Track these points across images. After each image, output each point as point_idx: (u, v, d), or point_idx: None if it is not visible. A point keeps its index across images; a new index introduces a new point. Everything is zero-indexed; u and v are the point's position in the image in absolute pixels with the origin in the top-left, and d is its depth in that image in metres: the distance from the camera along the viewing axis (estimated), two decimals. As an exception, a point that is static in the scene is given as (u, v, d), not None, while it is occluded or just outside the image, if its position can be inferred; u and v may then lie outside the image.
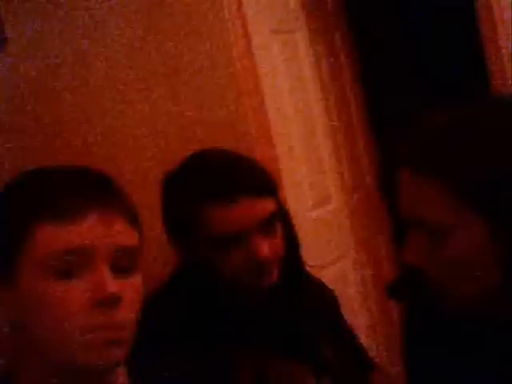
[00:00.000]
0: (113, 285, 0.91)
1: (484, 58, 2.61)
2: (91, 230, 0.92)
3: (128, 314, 0.94)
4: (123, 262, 0.94)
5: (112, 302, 0.91)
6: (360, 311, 2.73)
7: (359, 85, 3.14)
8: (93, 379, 0.96)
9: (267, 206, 1.36)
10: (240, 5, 2.19)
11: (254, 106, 2.18)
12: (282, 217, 1.43)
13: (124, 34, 1.93)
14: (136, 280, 0.96)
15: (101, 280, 0.91)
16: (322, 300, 1.59)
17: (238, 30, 2.17)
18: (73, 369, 0.93)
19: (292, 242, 1.47)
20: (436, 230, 0.96)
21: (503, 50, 2.51)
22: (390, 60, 3.72)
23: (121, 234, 0.94)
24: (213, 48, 2.13)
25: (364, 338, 2.01)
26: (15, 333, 0.96)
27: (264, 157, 2.01)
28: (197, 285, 1.41)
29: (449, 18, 3.48)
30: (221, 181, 1.34)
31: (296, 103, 2.52)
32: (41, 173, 0.99)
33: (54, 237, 0.91)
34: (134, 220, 0.98)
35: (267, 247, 1.35)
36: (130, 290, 0.94)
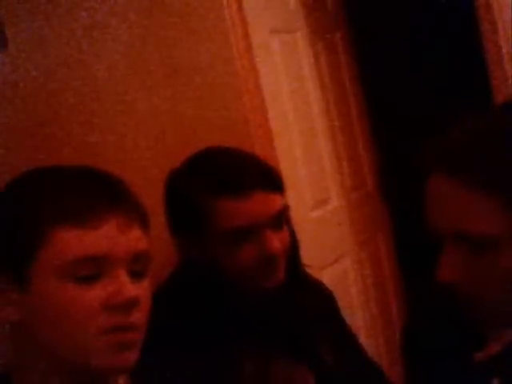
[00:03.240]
0: (131, 289, 0.93)
1: (484, 58, 2.61)
2: (110, 236, 0.92)
3: (142, 316, 0.95)
4: (138, 267, 0.95)
5: (130, 305, 0.92)
6: (360, 311, 2.73)
7: (359, 85, 3.14)
8: (96, 381, 0.96)
9: (278, 201, 1.38)
10: (240, 5, 2.18)
11: (254, 105, 2.18)
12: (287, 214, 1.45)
13: (124, 34, 1.93)
14: (147, 283, 0.97)
15: (120, 285, 0.92)
16: (321, 300, 1.59)
17: (238, 30, 2.17)
18: (85, 371, 0.93)
19: (292, 242, 1.47)
20: (482, 245, 0.90)
21: (503, 50, 2.51)
22: (390, 60, 3.72)
23: (137, 239, 0.95)
24: (213, 48, 2.13)
25: (364, 338, 2.01)
26: (17, 333, 0.96)
27: (264, 157, 2.00)
28: (202, 282, 1.41)
29: (449, 18, 3.48)
30: (235, 174, 1.35)
31: (296, 103, 2.52)
32: (54, 173, 0.99)
33: (74, 242, 0.91)
34: (146, 224, 0.99)
35: (277, 242, 1.36)
36: (143, 293, 0.95)
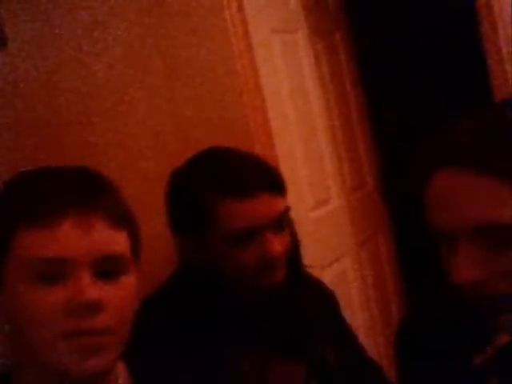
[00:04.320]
0: (92, 291, 0.90)
1: (484, 58, 2.61)
2: (68, 238, 0.90)
3: (112, 319, 0.91)
4: (108, 267, 0.92)
5: (91, 308, 0.89)
6: (360, 311, 2.73)
7: (359, 85, 3.14)
8: (92, 381, 0.94)
9: (281, 203, 1.39)
10: (240, 5, 2.18)
11: (254, 105, 2.18)
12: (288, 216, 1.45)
13: (124, 34, 1.92)
14: (124, 284, 0.94)
15: (79, 286, 0.89)
16: (322, 300, 1.60)
17: (238, 29, 2.17)
18: (56, 373, 0.92)
19: (293, 243, 1.47)
20: (506, 235, 0.86)
21: (503, 50, 2.51)
22: (390, 60, 3.72)
23: (102, 240, 0.92)
24: (213, 48, 2.12)
25: (364, 338, 2.01)
26: (13, 333, 0.96)
27: (264, 157, 2.00)
28: (202, 282, 1.41)
29: (449, 18, 3.48)
30: (240, 176, 1.35)
31: (296, 103, 2.52)
32: (25, 177, 0.98)
33: (32, 244, 0.90)
34: (121, 221, 0.95)
35: (278, 245, 1.36)
36: (116, 294, 0.92)
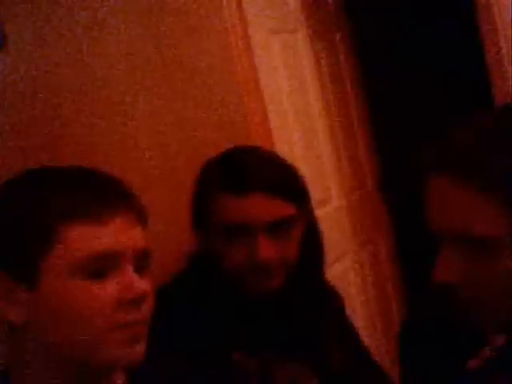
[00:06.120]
0: (141, 284, 0.95)
1: (484, 58, 2.61)
2: (118, 233, 0.94)
3: (149, 310, 0.97)
4: (141, 263, 0.97)
5: (141, 299, 0.95)
6: (360, 311, 2.73)
7: (359, 85, 3.14)
8: (94, 380, 0.97)
9: (282, 209, 1.35)
10: (240, 5, 2.19)
11: (254, 106, 2.18)
12: (304, 224, 1.42)
13: (124, 34, 1.92)
14: (148, 278, 0.99)
15: (130, 280, 0.94)
16: (329, 302, 1.59)
17: (238, 29, 2.17)
18: (90, 368, 0.95)
19: (315, 250, 1.47)
20: (483, 246, 0.89)
21: (503, 50, 2.52)
22: (390, 60, 3.72)
23: (140, 237, 0.98)
24: (213, 48, 2.12)
25: (364, 338, 2.01)
26: (16, 333, 0.96)
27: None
28: (206, 276, 1.41)
29: (449, 18, 3.49)
30: (242, 173, 1.35)
31: (296, 103, 2.52)
32: (57, 172, 0.99)
33: (86, 239, 0.93)
34: (146, 222, 1.01)
35: (270, 250, 1.34)
36: (148, 287, 0.97)
